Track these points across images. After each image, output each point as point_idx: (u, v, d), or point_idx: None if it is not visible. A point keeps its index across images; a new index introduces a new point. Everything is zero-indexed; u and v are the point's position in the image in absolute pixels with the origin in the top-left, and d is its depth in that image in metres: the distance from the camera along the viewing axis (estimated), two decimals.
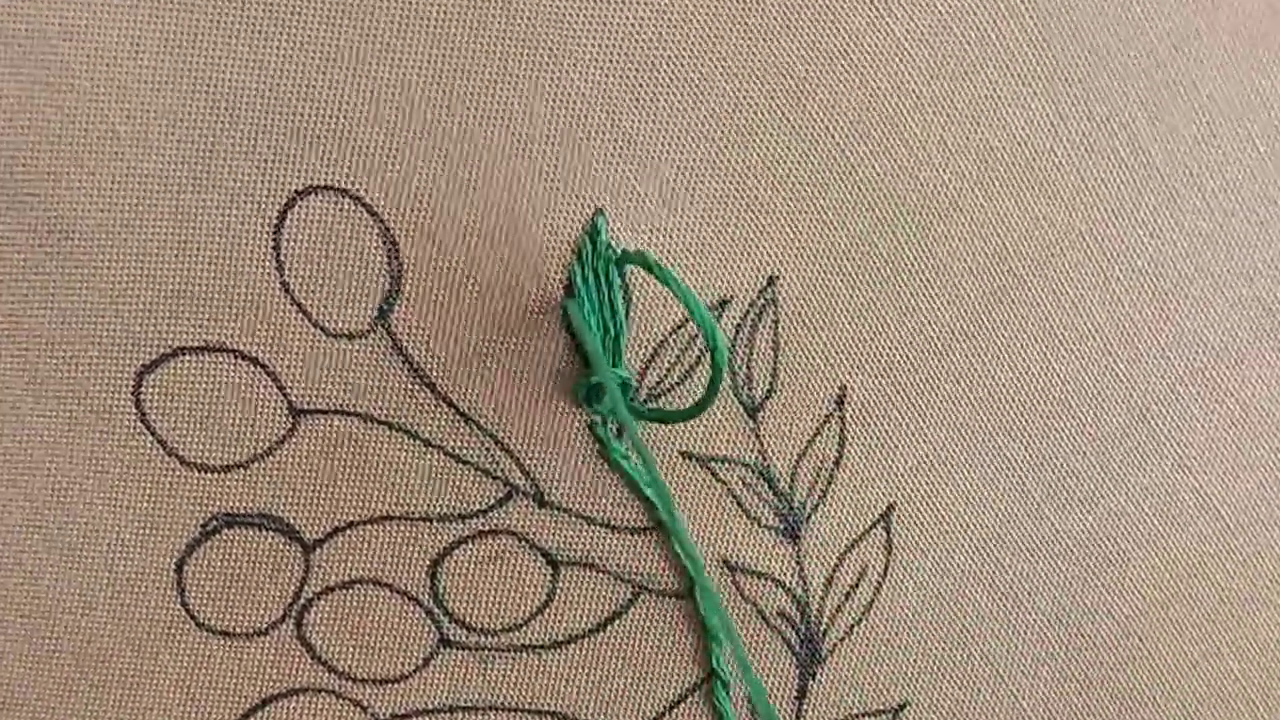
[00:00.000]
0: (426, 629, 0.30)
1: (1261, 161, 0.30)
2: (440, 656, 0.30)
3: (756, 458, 0.30)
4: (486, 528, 0.30)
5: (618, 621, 0.30)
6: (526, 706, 0.31)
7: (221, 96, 0.27)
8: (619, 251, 0.28)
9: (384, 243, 0.28)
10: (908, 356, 0.30)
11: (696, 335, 0.29)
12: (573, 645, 0.30)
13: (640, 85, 0.28)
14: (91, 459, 0.29)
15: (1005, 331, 0.30)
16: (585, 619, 0.30)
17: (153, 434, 0.29)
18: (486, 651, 0.30)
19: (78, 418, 0.29)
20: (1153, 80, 0.30)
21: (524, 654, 0.30)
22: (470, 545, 0.30)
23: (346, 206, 0.28)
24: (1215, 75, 0.30)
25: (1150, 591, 0.32)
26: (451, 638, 0.30)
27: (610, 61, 0.28)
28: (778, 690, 0.31)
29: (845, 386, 0.30)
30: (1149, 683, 0.32)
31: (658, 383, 0.29)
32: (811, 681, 0.31)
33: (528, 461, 0.29)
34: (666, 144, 0.29)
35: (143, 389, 0.28)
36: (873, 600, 0.31)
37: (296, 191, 0.28)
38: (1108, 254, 0.30)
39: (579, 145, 0.28)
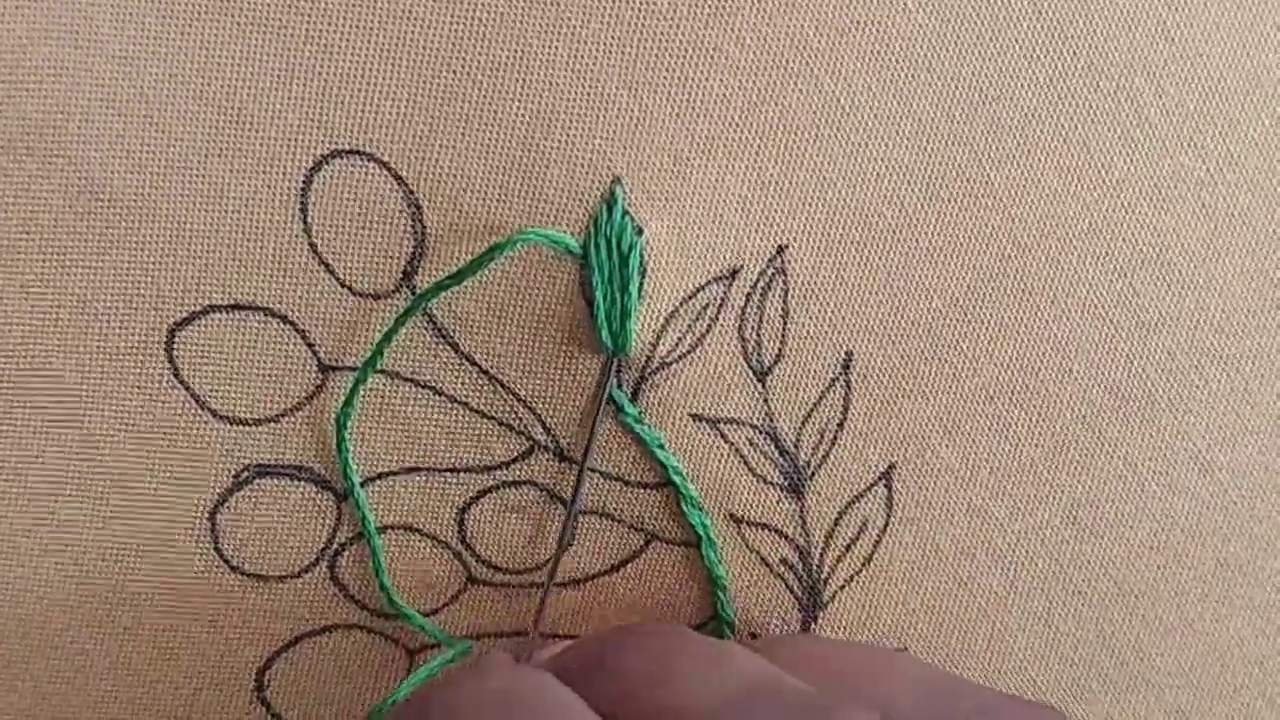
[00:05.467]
0: (455, 569, 0.31)
1: (1267, 135, 0.30)
2: (468, 593, 0.32)
3: (763, 419, 0.31)
4: (510, 479, 0.31)
5: (630, 565, 0.32)
6: (545, 635, 0.32)
7: (249, 61, 0.28)
8: (635, 223, 0.29)
9: (408, 205, 0.29)
10: (912, 323, 0.31)
11: (708, 305, 0.30)
12: (588, 584, 0.32)
13: (656, 57, 0.29)
14: (125, 412, 0.30)
15: (1008, 299, 0.31)
16: (600, 561, 0.32)
17: (185, 388, 0.30)
18: (511, 588, 0.32)
19: (111, 373, 0.29)
20: (1159, 53, 0.30)
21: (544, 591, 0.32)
22: (495, 495, 0.31)
23: (372, 170, 0.29)
24: (1222, 49, 0.30)
25: (1147, 553, 0.32)
26: (478, 576, 0.31)
27: (627, 33, 0.28)
28: (781, 632, 0.32)
29: (851, 352, 0.31)
30: (1145, 640, 0.33)
31: (669, 350, 0.30)
32: (814, 625, 0.32)
33: (548, 418, 0.30)
34: (680, 115, 0.29)
35: (175, 345, 0.29)
36: (873, 552, 0.32)
37: (323, 155, 0.29)
38: (1112, 225, 0.30)
39: (596, 114, 0.29)
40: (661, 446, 0.30)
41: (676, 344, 0.30)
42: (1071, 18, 0.29)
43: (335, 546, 0.31)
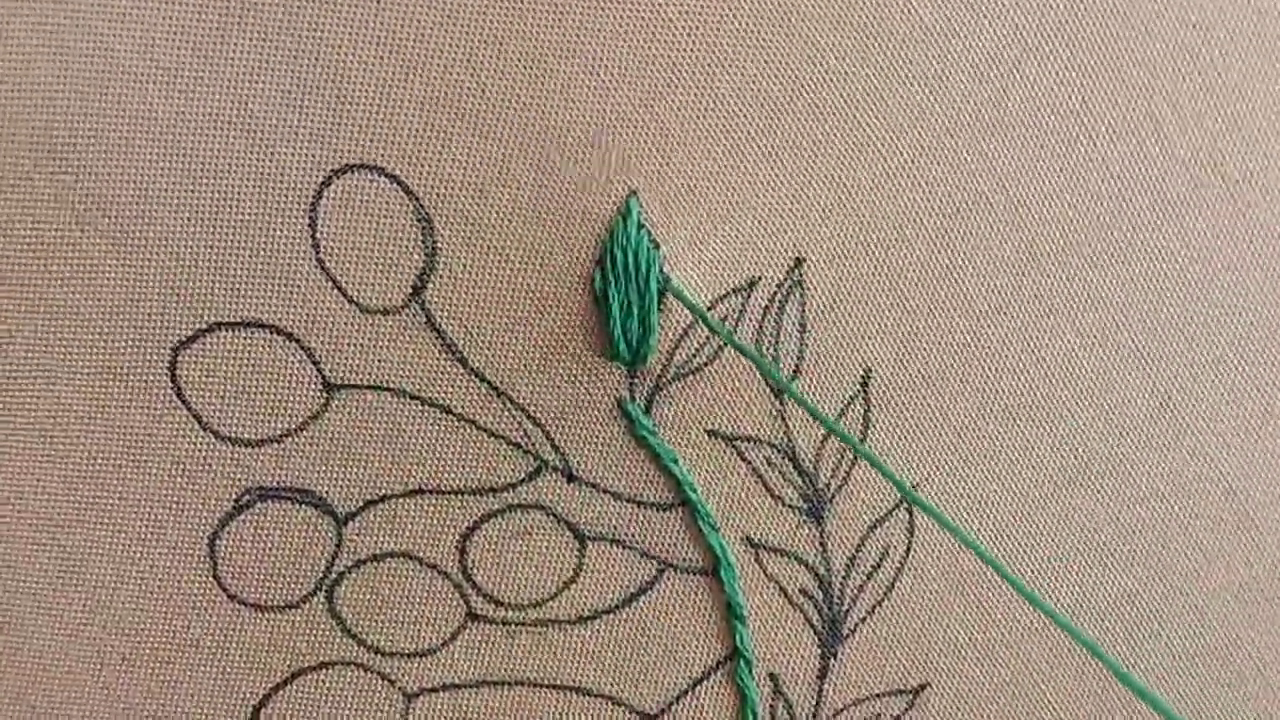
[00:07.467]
0: (455, 603, 0.30)
1: None
2: (468, 630, 0.31)
3: (782, 438, 0.30)
4: (516, 502, 0.30)
5: (643, 598, 0.31)
6: (551, 681, 0.31)
7: (259, 77, 0.28)
8: (652, 237, 0.29)
9: (419, 220, 0.29)
10: (932, 339, 0.30)
11: (726, 317, 0.30)
12: (598, 621, 0.31)
13: (670, 70, 0.29)
14: (127, 433, 0.29)
15: (1028, 318, 0.30)
16: (611, 595, 0.31)
17: (188, 408, 0.29)
18: (513, 626, 0.31)
19: (114, 392, 0.29)
20: (1179, 69, 0.30)
21: (550, 629, 0.31)
22: (500, 519, 0.30)
23: (382, 185, 0.28)
24: (1239, 66, 0.30)
25: (1169, 577, 0.32)
26: (479, 612, 0.30)
27: (642, 47, 0.28)
28: (799, 669, 0.31)
29: (870, 368, 0.30)
30: (1167, 668, 0.32)
31: (686, 361, 0.30)
32: (833, 660, 0.31)
33: (557, 436, 0.30)
34: (696, 127, 0.29)
35: (179, 364, 0.29)
36: (894, 581, 0.31)
37: (333, 170, 0.28)
38: (1131, 241, 0.30)
39: (611, 128, 0.29)
40: (676, 461, 0.30)
41: (693, 355, 0.30)
42: (1093, 37, 0.30)
43: (334, 575, 0.30)
